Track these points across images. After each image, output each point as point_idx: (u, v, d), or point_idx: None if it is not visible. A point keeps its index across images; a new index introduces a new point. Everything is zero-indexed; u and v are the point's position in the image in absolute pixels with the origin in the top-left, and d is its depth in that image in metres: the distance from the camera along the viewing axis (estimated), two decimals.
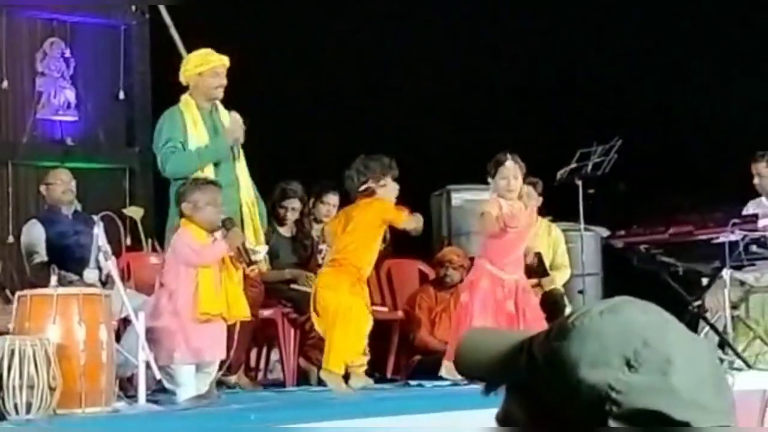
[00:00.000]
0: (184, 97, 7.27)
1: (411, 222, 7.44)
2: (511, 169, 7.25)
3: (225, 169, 7.21)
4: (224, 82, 7.23)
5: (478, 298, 7.15)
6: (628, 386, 1.12)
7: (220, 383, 7.03)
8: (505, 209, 7.19)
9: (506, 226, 7.13)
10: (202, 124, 7.16)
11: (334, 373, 7.13)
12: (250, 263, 6.79)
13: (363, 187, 7.42)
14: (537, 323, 6.94)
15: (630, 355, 1.13)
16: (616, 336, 1.14)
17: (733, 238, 7.48)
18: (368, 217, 7.35)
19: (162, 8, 10.08)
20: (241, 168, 7.31)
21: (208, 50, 7.33)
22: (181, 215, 6.64)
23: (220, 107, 7.34)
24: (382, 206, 7.37)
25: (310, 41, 10.85)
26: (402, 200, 7.72)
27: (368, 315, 7.33)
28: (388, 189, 7.46)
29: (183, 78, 7.32)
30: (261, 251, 7.09)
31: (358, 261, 7.34)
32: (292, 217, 8.42)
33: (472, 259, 8.08)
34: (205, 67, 7.22)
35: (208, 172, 7.05)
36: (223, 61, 7.24)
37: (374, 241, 7.43)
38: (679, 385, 1.12)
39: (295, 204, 8.41)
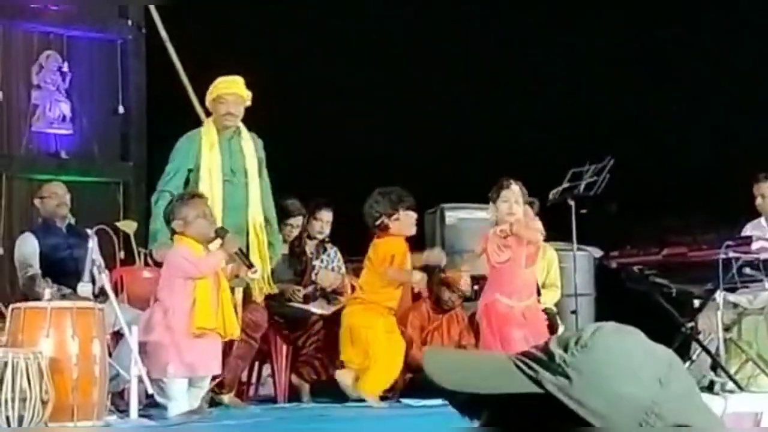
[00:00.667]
0: (208, 120, 7.39)
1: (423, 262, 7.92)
2: (516, 193, 7.22)
3: (236, 194, 7.27)
4: (232, 110, 7.23)
5: (492, 325, 7.11)
6: (665, 402, 1.20)
7: (213, 402, 7.05)
8: (492, 241, 7.16)
9: (495, 263, 7.14)
10: (218, 148, 7.23)
11: (371, 395, 7.49)
12: (250, 266, 6.82)
13: (377, 223, 7.66)
14: None
15: (661, 376, 1.20)
16: (644, 356, 1.22)
17: (729, 258, 7.47)
18: (380, 256, 7.68)
19: (158, 23, 10.10)
20: (253, 191, 7.33)
21: (227, 77, 7.34)
22: (174, 233, 6.65)
23: (243, 131, 7.37)
24: (390, 245, 7.67)
25: (307, 59, 10.87)
26: None
27: (401, 347, 7.70)
28: (402, 222, 7.70)
29: (206, 103, 7.45)
30: (259, 270, 7.10)
31: (385, 300, 7.69)
32: (294, 233, 8.43)
33: (473, 279, 8.21)
34: (214, 94, 7.32)
35: (216, 192, 7.11)
36: (230, 89, 7.23)
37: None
38: (701, 404, 1.23)
39: (299, 221, 8.43)
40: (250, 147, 7.37)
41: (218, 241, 6.57)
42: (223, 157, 7.23)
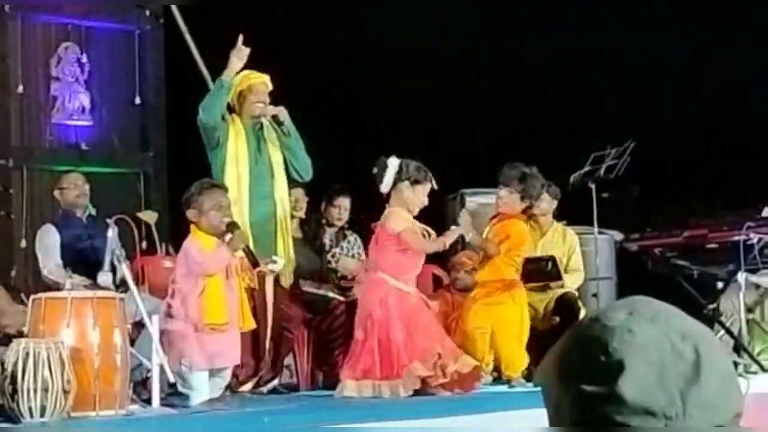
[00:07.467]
0: (233, 116, 7.44)
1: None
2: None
3: (262, 183, 7.33)
4: (264, 99, 7.41)
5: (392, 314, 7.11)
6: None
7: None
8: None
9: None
10: (244, 138, 7.33)
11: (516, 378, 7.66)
12: (256, 265, 6.82)
13: None
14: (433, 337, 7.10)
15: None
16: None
17: (751, 240, 7.43)
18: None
19: (177, 13, 10.10)
20: (280, 183, 7.40)
21: (250, 71, 7.46)
22: (190, 222, 6.68)
23: (267, 126, 7.47)
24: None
25: (322, 42, 10.86)
26: None
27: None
28: (510, 203, 7.86)
29: (231, 101, 7.48)
30: (279, 261, 7.08)
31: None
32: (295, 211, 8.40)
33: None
34: (244, 85, 7.42)
35: (244, 185, 7.16)
36: (262, 78, 7.43)
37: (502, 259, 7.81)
38: None
39: (297, 194, 8.41)
40: (274, 139, 7.45)
41: (228, 236, 6.55)
42: (249, 145, 7.32)
